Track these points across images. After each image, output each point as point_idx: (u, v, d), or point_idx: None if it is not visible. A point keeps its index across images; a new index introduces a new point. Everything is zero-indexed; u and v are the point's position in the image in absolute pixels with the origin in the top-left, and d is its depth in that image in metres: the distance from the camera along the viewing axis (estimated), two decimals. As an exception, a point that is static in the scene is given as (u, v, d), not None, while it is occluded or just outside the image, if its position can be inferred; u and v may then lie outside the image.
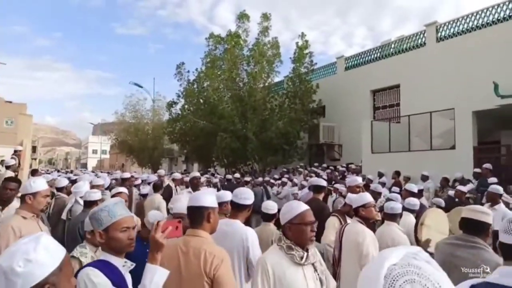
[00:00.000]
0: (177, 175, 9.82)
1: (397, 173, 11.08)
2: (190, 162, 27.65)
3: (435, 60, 13.22)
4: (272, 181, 12.24)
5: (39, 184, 3.04)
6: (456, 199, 7.14)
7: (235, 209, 3.05)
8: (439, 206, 5.91)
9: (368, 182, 10.60)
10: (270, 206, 3.92)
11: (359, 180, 5.14)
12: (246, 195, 3.06)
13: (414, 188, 6.13)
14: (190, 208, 2.35)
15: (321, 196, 5.01)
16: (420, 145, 11.65)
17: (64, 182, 5.75)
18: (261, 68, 17.14)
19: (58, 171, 28.13)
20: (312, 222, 2.15)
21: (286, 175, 14.50)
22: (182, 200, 3.85)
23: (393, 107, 15.40)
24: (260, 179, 12.14)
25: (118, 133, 33.96)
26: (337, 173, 13.30)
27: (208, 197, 2.35)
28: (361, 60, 16.57)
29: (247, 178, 12.76)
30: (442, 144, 11.37)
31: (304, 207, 2.21)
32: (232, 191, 3.25)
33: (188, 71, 20.86)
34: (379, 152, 12.49)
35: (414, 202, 4.81)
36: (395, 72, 14.76)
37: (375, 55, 15.89)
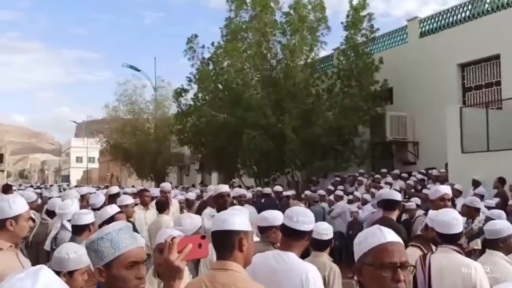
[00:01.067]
0: (191, 195, 10.03)
1: (501, 181, 10.93)
2: (206, 171, 28.03)
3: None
4: (320, 193, 12.35)
5: (20, 205, 3.09)
6: None
7: (289, 236, 2.99)
8: None
9: (456, 195, 10.60)
10: (322, 230, 3.92)
11: (444, 190, 5.09)
12: (305, 218, 3.00)
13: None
14: (215, 234, 2.39)
15: (394, 215, 5.03)
16: None
17: (57, 202, 5.88)
18: (301, 39, 17.23)
19: (32, 186, 29.19)
20: (397, 264, 1.78)
21: (340, 187, 14.51)
22: (194, 217, 3.94)
23: (491, 87, 15.14)
24: (321, 192, 12.32)
25: (110, 134, 34.96)
26: (413, 183, 13.22)
27: (238, 218, 2.39)
28: (442, 22, 16.41)
29: (288, 192, 12.88)
30: None
31: (387, 236, 1.85)
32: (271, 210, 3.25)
33: (203, 46, 20.98)
34: (472, 152, 12.36)
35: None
36: (493, 37, 14.48)
37: (463, 15, 15.71)
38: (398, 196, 5.22)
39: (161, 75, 57.54)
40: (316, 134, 15.84)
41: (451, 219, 3.47)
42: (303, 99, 16.70)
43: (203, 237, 1.97)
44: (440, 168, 13.84)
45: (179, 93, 22.07)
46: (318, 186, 17.38)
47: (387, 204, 5.12)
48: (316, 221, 3.32)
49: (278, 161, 17.10)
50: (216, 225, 2.40)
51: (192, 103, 21.65)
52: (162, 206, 6.75)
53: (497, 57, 14.73)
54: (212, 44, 20.22)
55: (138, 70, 32.46)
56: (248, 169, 19.29)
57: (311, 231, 3.04)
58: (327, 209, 11.65)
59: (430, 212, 4.37)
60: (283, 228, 3.04)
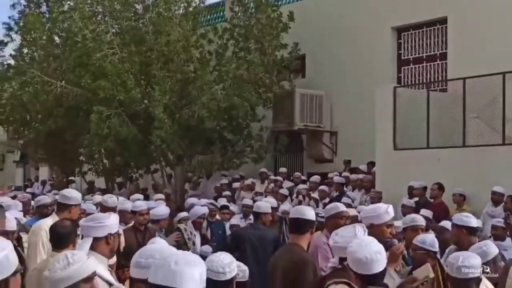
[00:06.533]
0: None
1: (441, 188, 11.55)
2: (31, 164, 27.34)
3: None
4: (204, 203, 12.09)
5: None
6: None
7: None
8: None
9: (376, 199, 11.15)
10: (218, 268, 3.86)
11: (341, 207, 5.70)
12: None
13: (470, 221, 6.34)
14: None
15: (305, 241, 5.40)
16: (484, 135, 12.06)
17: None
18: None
19: None
20: None
21: (227, 192, 14.71)
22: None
23: (434, 61, 15.80)
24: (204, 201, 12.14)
25: None
26: (327, 189, 13.69)
27: None
28: (374, -32, 16.78)
29: (159, 195, 12.87)
30: None
31: None
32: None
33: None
34: (408, 148, 12.80)
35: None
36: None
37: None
38: (311, 214, 5.37)
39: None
40: (197, 116, 15.72)
41: (369, 254, 3.70)
42: (181, 66, 16.47)
43: None
44: (365, 168, 14.41)
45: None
46: (197, 189, 17.55)
47: (295, 226, 5.33)
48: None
49: (142, 154, 16.93)
50: None
51: (12, 62, 20.84)
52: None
53: (443, 21, 15.39)
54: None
55: None
56: (96, 164, 18.97)
57: None
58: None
59: (334, 235, 4.58)
60: None
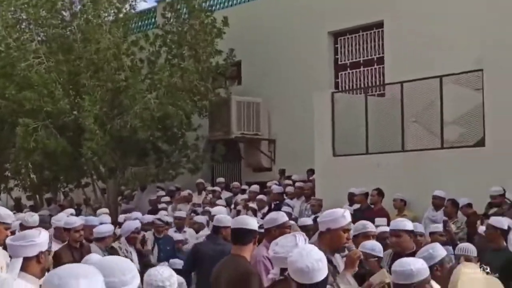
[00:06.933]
0: None
1: (380, 194, 11.70)
2: None
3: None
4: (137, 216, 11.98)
5: None
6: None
7: None
8: (468, 258, 6.40)
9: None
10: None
11: (282, 217, 5.95)
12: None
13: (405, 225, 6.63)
14: None
15: (247, 252, 5.32)
16: (423, 139, 12.27)
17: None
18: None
19: None
20: None
21: (163, 205, 14.46)
22: None
23: (371, 65, 16.03)
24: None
25: None
26: (265, 198, 13.73)
27: None
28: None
29: (103, 210, 12.77)
30: (462, 136, 12.05)
31: None
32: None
33: None
34: (347, 154, 12.96)
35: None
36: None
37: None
38: (253, 223, 5.38)
39: None
40: (130, 127, 15.64)
41: (310, 263, 3.65)
42: (111, 74, 16.24)
43: None
44: (302, 176, 14.48)
45: None
46: (131, 204, 17.31)
47: (237, 236, 5.35)
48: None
49: (72, 167, 16.66)
50: None
51: None
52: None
53: (379, 25, 15.59)
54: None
55: None
56: (23, 179, 18.57)
57: None
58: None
59: (273, 245, 4.60)
60: None
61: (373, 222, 9.42)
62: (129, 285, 2.81)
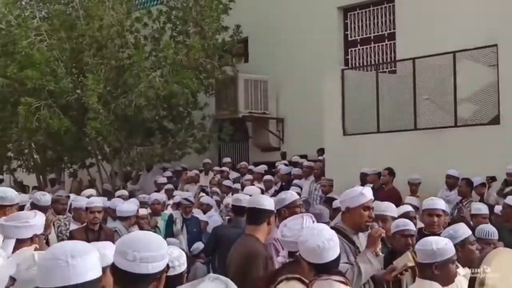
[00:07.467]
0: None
1: (391, 173, 11.59)
2: None
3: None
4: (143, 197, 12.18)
5: None
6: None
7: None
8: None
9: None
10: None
11: (292, 196, 5.84)
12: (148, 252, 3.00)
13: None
14: None
15: (262, 232, 5.28)
16: (436, 117, 12.16)
17: None
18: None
19: None
20: None
21: (168, 185, 14.41)
22: None
23: (382, 42, 15.92)
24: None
25: None
26: (273, 179, 13.69)
27: None
28: None
29: (89, 191, 12.43)
30: (476, 114, 11.96)
31: None
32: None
33: None
34: (358, 133, 12.91)
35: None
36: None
37: None
38: (267, 203, 5.32)
39: None
40: (134, 106, 15.49)
41: (322, 242, 3.68)
42: (115, 52, 16.13)
43: None
44: (312, 155, 14.55)
45: None
46: (138, 184, 17.31)
47: (251, 216, 5.30)
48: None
49: (76, 147, 16.62)
50: None
51: None
52: None
53: (391, 0, 15.46)
54: None
55: None
56: (27, 160, 18.56)
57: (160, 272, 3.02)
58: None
59: (282, 226, 4.63)
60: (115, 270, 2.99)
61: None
62: (165, 259, 2.93)
